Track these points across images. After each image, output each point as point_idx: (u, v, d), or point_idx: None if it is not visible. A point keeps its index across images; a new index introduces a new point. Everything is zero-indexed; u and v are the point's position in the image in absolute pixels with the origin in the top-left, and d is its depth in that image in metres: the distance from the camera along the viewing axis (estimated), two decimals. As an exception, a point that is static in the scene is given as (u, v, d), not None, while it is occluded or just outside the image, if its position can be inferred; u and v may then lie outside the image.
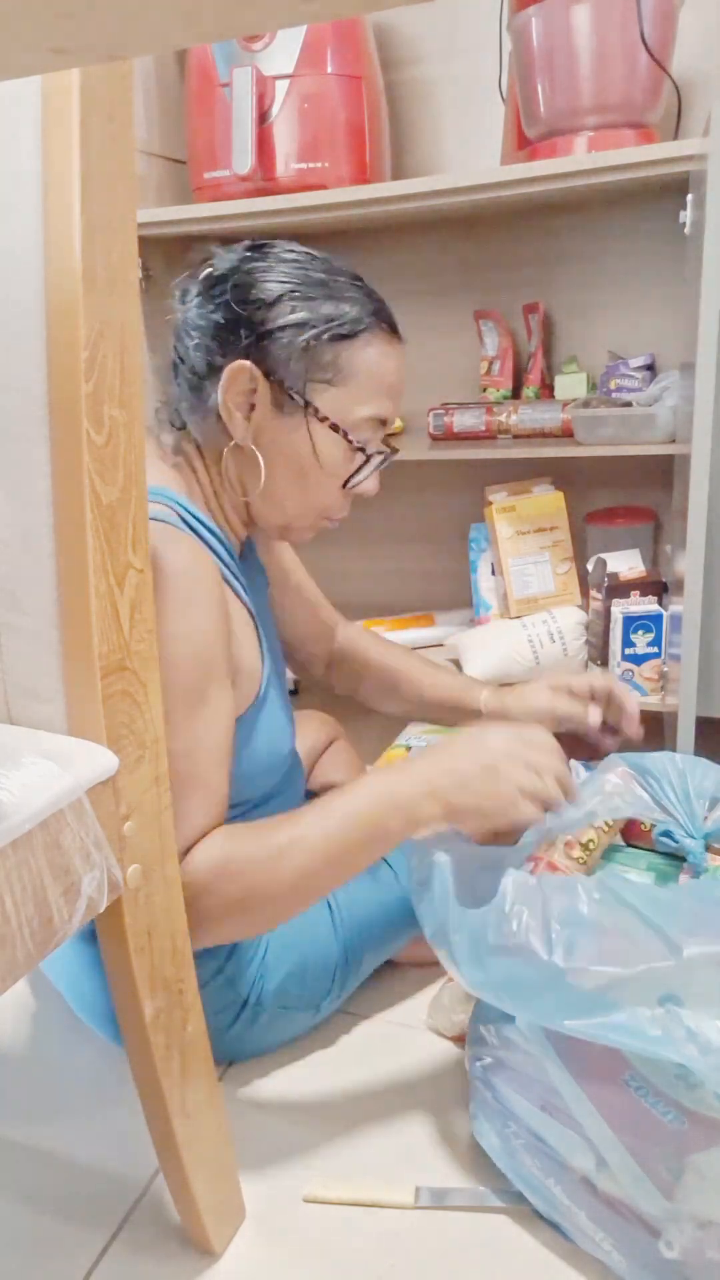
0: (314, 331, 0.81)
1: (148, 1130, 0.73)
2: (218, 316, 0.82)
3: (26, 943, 0.54)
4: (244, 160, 1.38)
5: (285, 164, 1.40)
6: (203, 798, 0.75)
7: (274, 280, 0.81)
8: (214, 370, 0.82)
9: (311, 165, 1.40)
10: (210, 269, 0.85)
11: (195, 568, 0.76)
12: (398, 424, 1.60)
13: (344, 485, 0.88)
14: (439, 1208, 0.81)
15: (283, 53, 1.37)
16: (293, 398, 0.82)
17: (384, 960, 1.05)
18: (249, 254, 0.84)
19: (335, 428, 0.84)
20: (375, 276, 1.63)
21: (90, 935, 0.90)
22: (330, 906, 0.96)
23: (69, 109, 0.53)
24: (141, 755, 0.63)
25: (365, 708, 1.22)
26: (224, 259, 0.85)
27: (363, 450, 0.86)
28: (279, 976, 0.93)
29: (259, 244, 0.85)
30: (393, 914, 0.99)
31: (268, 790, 0.94)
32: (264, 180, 1.41)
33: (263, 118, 1.38)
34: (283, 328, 0.80)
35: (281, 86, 1.37)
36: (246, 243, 0.86)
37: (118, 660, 0.60)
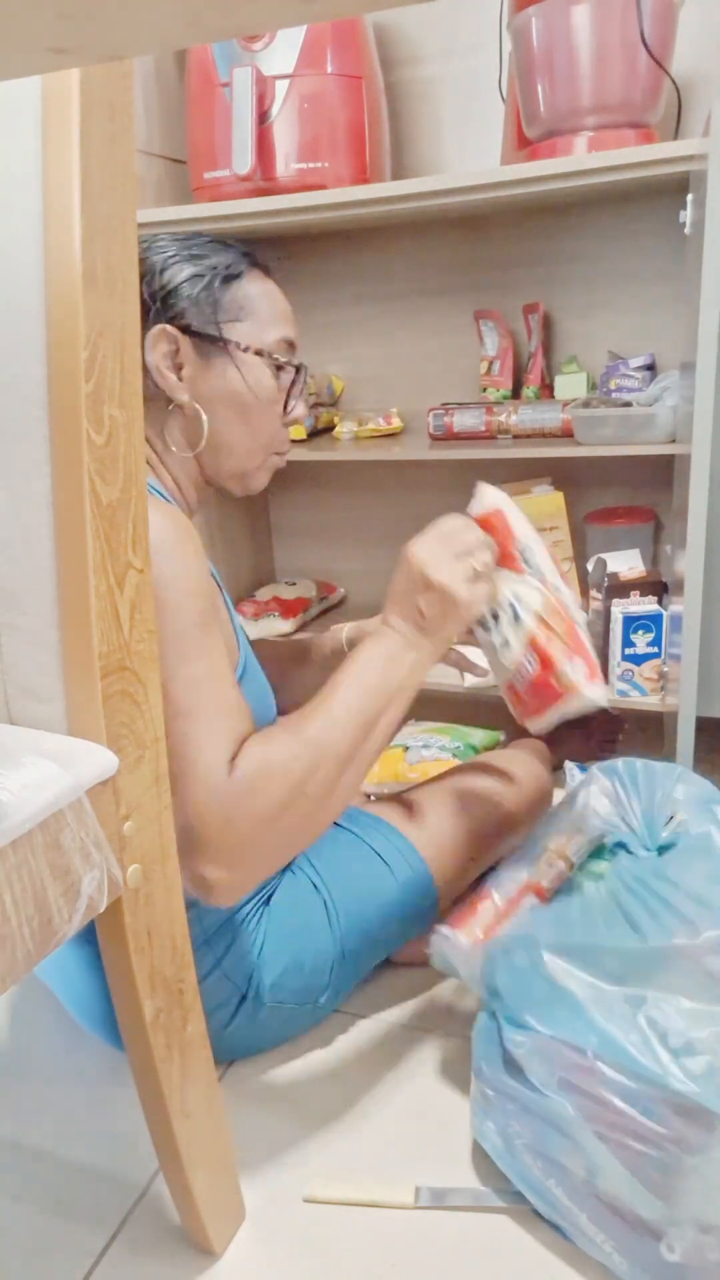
0: (206, 279, 0.89)
1: (148, 1130, 0.73)
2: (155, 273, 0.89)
3: (26, 942, 0.54)
4: (244, 160, 1.38)
5: (285, 164, 1.40)
6: (228, 714, 0.77)
7: (155, 255, 0.90)
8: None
9: (311, 165, 1.40)
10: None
11: (174, 516, 0.79)
12: (397, 424, 1.60)
13: (285, 408, 0.95)
14: (439, 1208, 0.81)
15: (283, 53, 1.37)
16: (212, 341, 0.89)
17: (381, 958, 1.05)
18: None
19: (260, 353, 0.91)
20: (375, 276, 1.65)
21: (86, 938, 0.90)
22: (326, 903, 0.97)
23: (69, 109, 0.53)
24: (141, 755, 0.63)
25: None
26: None
27: (289, 365, 0.94)
28: (276, 971, 0.93)
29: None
30: (389, 911, 0.99)
31: None
32: (264, 180, 1.41)
33: (263, 118, 1.38)
34: (178, 285, 0.89)
35: (281, 86, 1.37)
36: None
37: (118, 660, 0.60)
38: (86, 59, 0.29)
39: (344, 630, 1.16)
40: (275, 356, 0.92)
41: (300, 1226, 0.81)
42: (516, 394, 1.59)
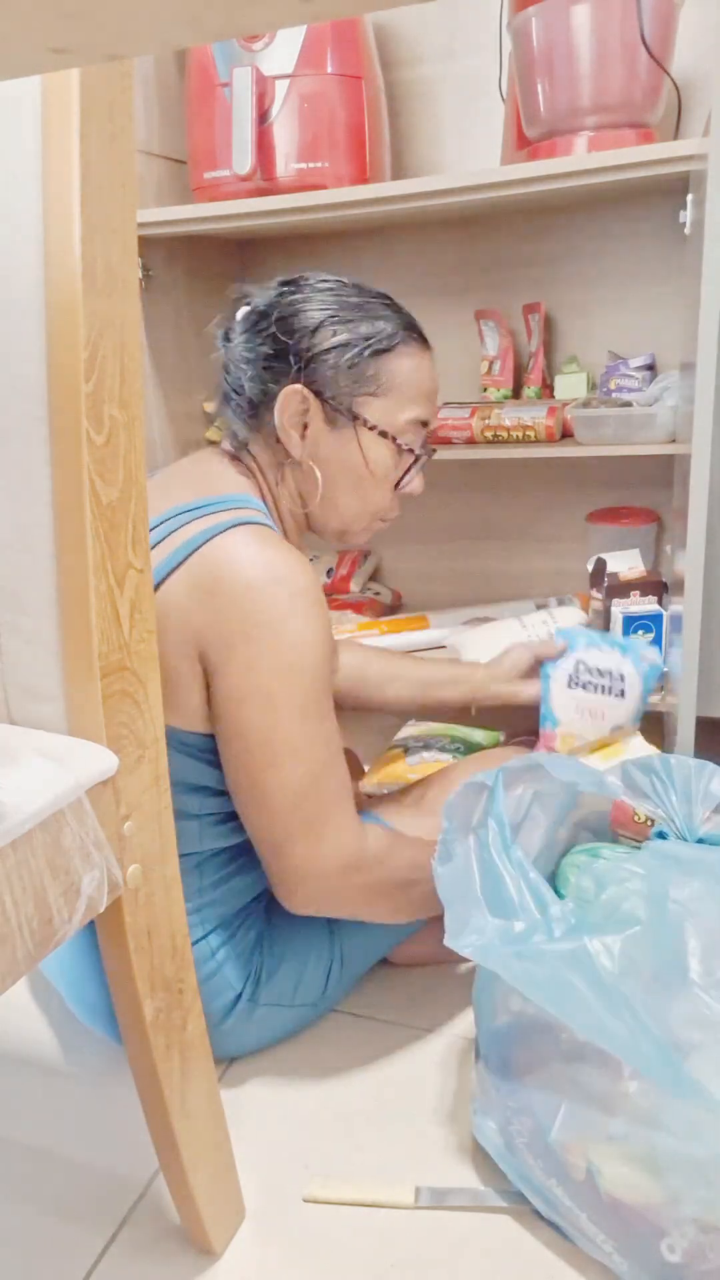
0: (355, 350, 0.89)
1: (148, 1130, 0.73)
2: (266, 349, 0.90)
3: (26, 942, 0.54)
4: (244, 160, 1.38)
5: (285, 164, 1.40)
6: (348, 796, 0.85)
7: (313, 309, 0.90)
8: (268, 397, 0.90)
9: (311, 165, 1.40)
10: (248, 306, 0.94)
11: (310, 573, 0.82)
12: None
13: (395, 486, 0.97)
14: (439, 1208, 0.81)
15: (283, 53, 1.37)
16: (342, 413, 0.91)
17: (379, 958, 1.05)
18: (285, 288, 0.93)
19: (384, 434, 0.92)
20: (375, 276, 1.65)
21: (89, 935, 0.90)
22: None
23: (69, 109, 0.53)
24: (141, 755, 0.63)
25: (361, 712, 1.23)
26: (262, 295, 0.94)
27: (410, 452, 0.95)
28: (272, 970, 0.93)
29: (293, 279, 0.94)
30: None
31: None
32: (264, 180, 1.40)
33: (263, 118, 1.38)
34: (327, 350, 0.89)
35: (281, 86, 1.37)
36: (280, 278, 0.94)
37: (118, 660, 0.60)
38: (86, 59, 0.29)
39: (478, 674, 1.17)
40: (400, 441, 0.93)
41: (300, 1226, 0.81)
42: (517, 394, 1.59)
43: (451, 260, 1.60)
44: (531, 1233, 0.78)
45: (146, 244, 1.47)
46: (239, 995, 0.92)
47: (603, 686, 1.21)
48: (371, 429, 0.91)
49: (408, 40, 1.56)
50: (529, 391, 1.55)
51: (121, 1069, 0.99)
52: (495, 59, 1.46)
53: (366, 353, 0.89)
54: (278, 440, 0.91)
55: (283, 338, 0.89)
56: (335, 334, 0.89)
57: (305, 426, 0.91)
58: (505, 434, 1.41)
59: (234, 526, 0.81)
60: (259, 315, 0.92)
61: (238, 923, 0.93)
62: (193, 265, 1.59)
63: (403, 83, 1.58)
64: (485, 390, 1.59)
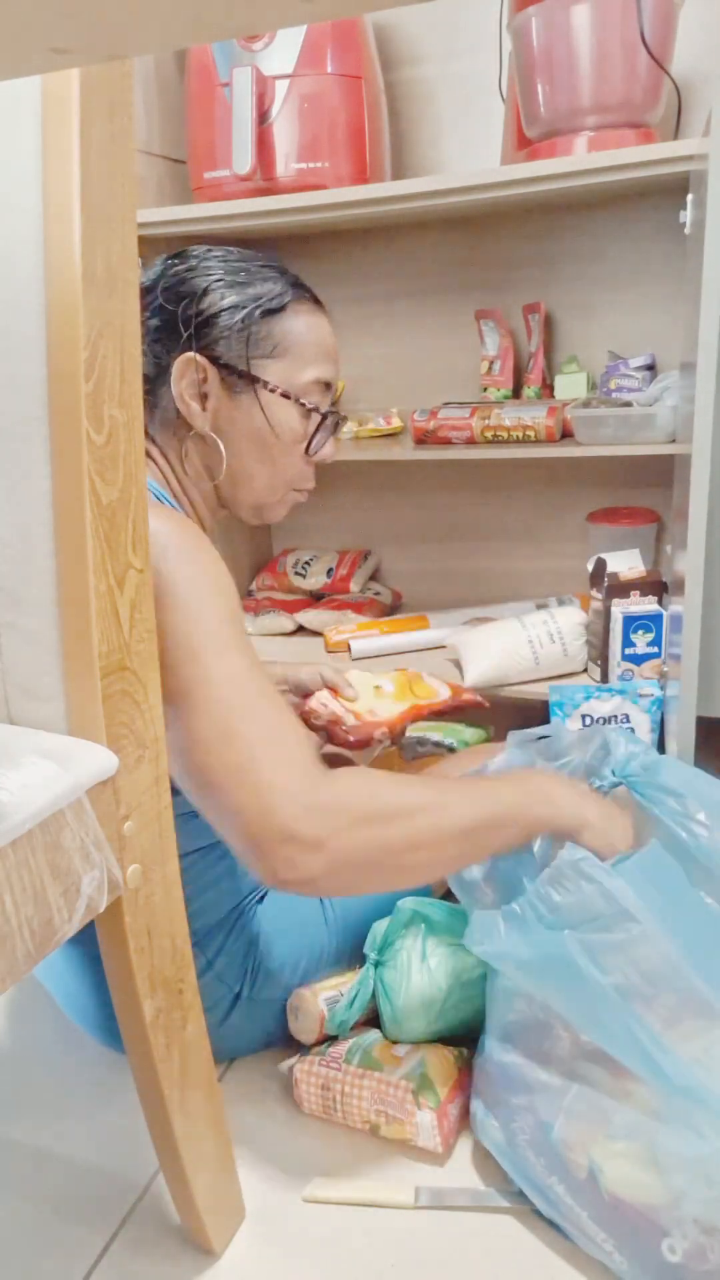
0: (245, 311, 0.86)
1: (148, 1130, 0.73)
2: (155, 321, 0.88)
3: (26, 942, 0.54)
4: (244, 160, 1.38)
5: (285, 164, 1.40)
6: (296, 728, 0.73)
7: (198, 276, 0.88)
8: (163, 370, 0.87)
9: (311, 165, 1.40)
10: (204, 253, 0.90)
11: (184, 522, 0.76)
12: (397, 423, 1.60)
13: (306, 451, 0.93)
14: (439, 1208, 0.81)
15: (283, 53, 1.37)
16: (241, 375, 0.87)
17: None
18: (171, 260, 0.91)
19: (286, 395, 0.89)
20: (375, 276, 1.65)
21: (79, 939, 0.90)
22: (322, 900, 0.97)
23: (69, 109, 0.53)
24: (141, 755, 0.63)
25: None
26: (147, 272, 0.91)
27: (316, 411, 0.91)
28: (271, 969, 0.93)
29: (178, 252, 0.91)
30: (382, 899, 1.00)
31: None
32: (264, 180, 1.41)
33: (263, 118, 1.38)
34: (217, 314, 0.86)
35: (281, 86, 1.37)
36: (165, 254, 0.92)
37: (118, 660, 0.60)
38: (87, 59, 0.29)
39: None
40: (303, 400, 0.90)
41: (300, 1226, 0.81)
42: (517, 394, 1.59)
43: (451, 260, 1.60)
44: (532, 1232, 0.78)
45: (146, 244, 1.47)
46: (238, 995, 0.92)
47: None
48: (273, 391, 0.88)
49: (408, 40, 1.56)
50: (529, 391, 1.55)
51: (121, 1069, 0.99)
52: (495, 59, 1.46)
53: (258, 313, 0.86)
54: (177, 416, 0.87)
55: (169, 307, 0.87)
56: (224, 297, 0.86)
57: (205, 397, 0.87)
58: (505, 434, 1.41)
59: None
60: (144, 290, 0.88)
61: (232, 923, 0.93)
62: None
63: (403, 83, 1.58)
64: (485, 390, 1.59)
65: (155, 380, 0.88)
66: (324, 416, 0.92)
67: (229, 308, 0.86)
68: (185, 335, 0.86)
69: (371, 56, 1.45)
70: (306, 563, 1.77)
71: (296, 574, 1.76)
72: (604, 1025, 0.70)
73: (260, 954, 0.93)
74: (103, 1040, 0.97)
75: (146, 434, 0.90)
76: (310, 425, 0.92)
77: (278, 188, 1.41)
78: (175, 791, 0.80)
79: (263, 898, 0.96)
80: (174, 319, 0.87)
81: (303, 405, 0.90)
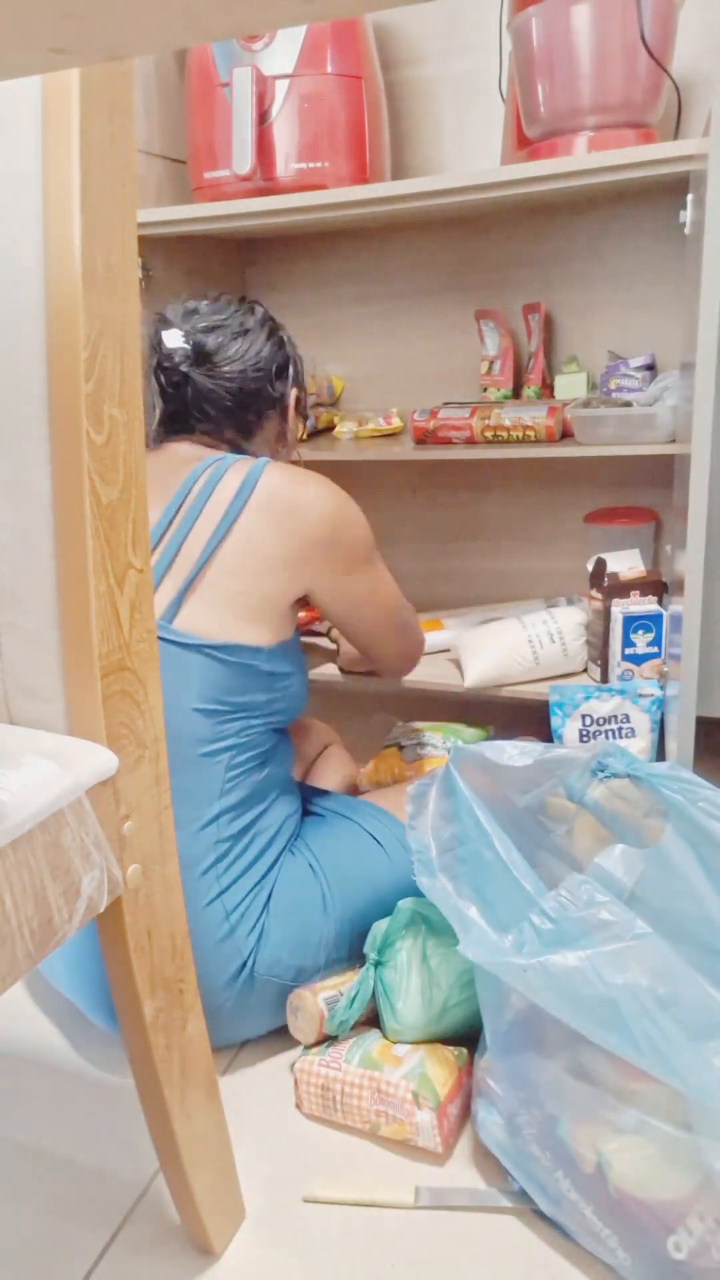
0: (298, 366, 1.16)
1: (148, 1130, 0.73)
2: (281, 353, 1.12)
3: (26, 942, 0.54)
4: (244, 160, 1.38)
5: (285, 164, 1.40)
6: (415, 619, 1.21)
7: (280, 331, 1.14)
8: (270, 395, 1.11)
9: (311, 165, 1.40)
10: (254, 309, 1.13)
11: (330, 482, 1.05)
12: (397, 423, 1.59)
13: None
14: (439, 1208, 0.81)
15: (283, 53, 1.37)
16: (301, 404, 1.16)
17: (368, 927, 1.06)
18: (254, 304, 1.14)
19: (305, 414, 1.21)
20: (375, 276, 1.65)
21: (92, 927, 0.90)
22: (322, 885, 0.99)
23: (69, 109, 0.53)
24: (141, 755, 0.63)
25: (358, 715, 1.33)
26: (257, 307, 1.13)
27: (304, 415, 1.21)
28: (273, 943, 0.95)
29: (243, 298, 1.16)
30: (383, 892, 1.01)
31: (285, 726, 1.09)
32: (264, 180, 1.40)
33: (263, 118, 1.38)
34: (295, 355, 1.15)
35: (281, 86, 1.37)
36: (219, 294, 1.15)
37: (118, 660, 0.60)
38: (86, 59, 0.29)
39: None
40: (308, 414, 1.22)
41: (300, 1226, 0.81)
42: (517, 394, 1.59)
43: (451, 260, 1.60)
44: (533, 1232, 0.78)
45: (146, 244, 1.47)
46: (244, 964, 0.93)
47: (611, 732, 1.28)
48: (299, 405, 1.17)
49: (408, 40, 1.56)
50: (529, 391, 1.55)
51: (122, 1069, 0.99)
52: (495, 59, 1.46)
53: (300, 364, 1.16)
54: (276, 437, 1.14)
55: (288, 350, 1.12)
56: (284, 338, 1.13)
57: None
58: (505, 434, 1.41)
59: (266, 464, 1.00)
60: (272, 322, 1.13)
61: (252, 884, 0.94)
62: (193, 265, 1.59)
63: (403, 83, 1.58)
64: (485, 390, 1.59)
65: (266, 408, 1.11)
66: (306, 419, 1.25)
67: (298, 358, 1.15)
68: (294, 373, 1.13)
69: (371, 56, 1.45)
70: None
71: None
72: (627, 1035, 0.69)
73: (264, 930, 0.94)
74: (113, 1029, 0.98)
75: (245, 444, 1.12)
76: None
77: (278, 188, 1.41)
78: (228, 719, 0.97)
79: (270, 878, 0.97)
80: (290, 360, 1.13)
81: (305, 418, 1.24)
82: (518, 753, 0.94)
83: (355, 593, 1.08)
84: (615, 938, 0.71)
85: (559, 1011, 0.70)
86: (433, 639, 1.53)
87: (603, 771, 0.86)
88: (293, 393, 1.13)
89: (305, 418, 1.24)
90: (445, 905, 0.83)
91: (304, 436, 1.32)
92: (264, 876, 0.97)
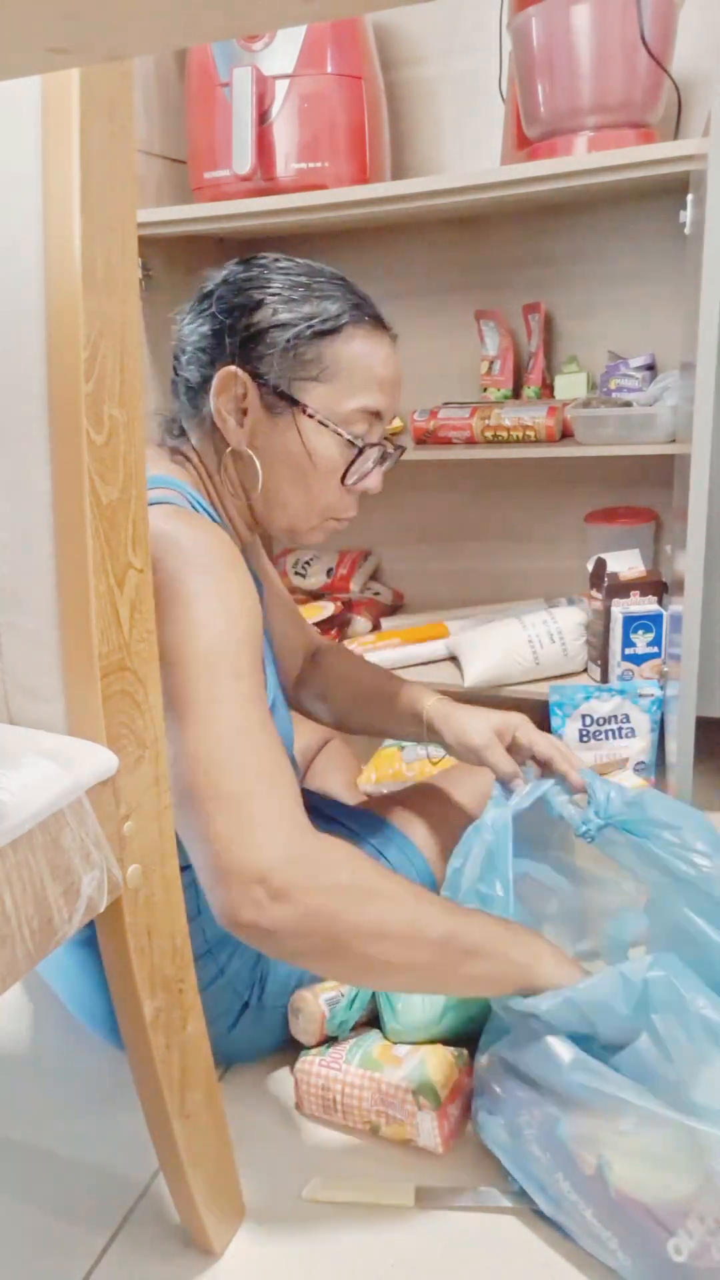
0: (295, 330, 0.82)
1: (148, 1130, 0.73)
2: (205, 328, 0.85)
3: (26, 942, 0.54)
4: (244, 160, 1.38)
5: (285, 164, 1.40)
6: (285, 785, 0.69)
7: (256, 287, 0.84)
8: (206, 380, 0.85)
9: (311, 165, 1.40)
10: (201, 287, 0.88)
11: (221, 541, 0.75)
12: (396, 423, 1.59)
13: (343, 481, 0.88)
14: (439, 1208, 0.81)
15: (283, 53, 1.37)
16: (281, 396, 0.84)
17: None
18: (236, 267, 0.87)
19: (324, 423, 0.85)
20: (375, 276, 1.65)
21: (87, 938, 0.90)
22: None
23: (69, 109, 0.53)
24: (141, 755, 0.63)
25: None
26: (213, 275, 0.88)
27: (355, 443, 0.86)
28: (280, 976, 0.93)
29: (248, 258, 0.88)
30: None
31: None
32: (264, 180, 1.41)
33: (263, 118, 1.38)
34: (266, 329, 0.82)
35: (281, 86, 1.37)
36: (236, 259, 0.89)
37: (118, 660, 0.60)
38: (86, 59, 0.29)
39: (426, 702, 1.03)
40: (340, 430, 0.85)
41: (300, 1226, 0.81)
42: (517, 394, 1.59)
43: (451, 260, 1.60)
44: (533, 1233, 0.78)
45: (146, 244, 1.47)
46: (246, 1004, 0.92)
47: (611, 732, 1.26)
48: (311, 416, 0.84)
49: (408, 40, 1.56)
50: (529, 391, 1.55)
51: (121, 1069, 0.99)
52: (495, 59, 1.46)
53: (308, 333, 0.82)
54: (215, 428, 0.86)
55: (221, 316, 0.84)
56: (276, 312, 0.82)
57: (244, 413, 0.84)
58: (505, 434, 1.42)
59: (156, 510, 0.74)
60: (205, 295, 0.87)
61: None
62: (193, 265, 1.59)
63: (403, 83, 1.58)
64: (485, 390, 1.59)
65: (199, 389, 0.86)
66: (361, 449, 0.87)
67: (279, 325, 0.82)
68: (230, 348, 0.83)
69: (371, 56, 1.45)
70: (307, 562, 1.77)
71: (296, 574, 1.76)
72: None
73: (269, 962, 0.93)
74: (111, 1040, 0.97)
75: (189, 443, 0.89)
76: (350, 456, 0.86)
77: (278, 188, 1.41)
78: None
79: None
80: (223, 329, 0.84)
81: (340, 435, 0.85)
82: (518, 798, 0.93)
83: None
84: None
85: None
86: (435, 646, 1.52)
87: (585, 832, 0.86)
88: (227, 372, 0.83)
89: (310, 416, 0.85)
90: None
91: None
92: None
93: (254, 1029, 0.94)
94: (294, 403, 0.84)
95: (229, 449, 0.86)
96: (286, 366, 0.83)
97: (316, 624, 1.55)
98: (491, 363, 1.58)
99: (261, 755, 0.69)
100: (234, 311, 0.83)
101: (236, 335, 0.83)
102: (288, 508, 0.89)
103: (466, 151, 1.58)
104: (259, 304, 0.83)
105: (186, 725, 0.68)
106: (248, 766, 0.68)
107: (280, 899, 0.64)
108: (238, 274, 0.86)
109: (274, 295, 0.83)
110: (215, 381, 0.83)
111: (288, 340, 0.82)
